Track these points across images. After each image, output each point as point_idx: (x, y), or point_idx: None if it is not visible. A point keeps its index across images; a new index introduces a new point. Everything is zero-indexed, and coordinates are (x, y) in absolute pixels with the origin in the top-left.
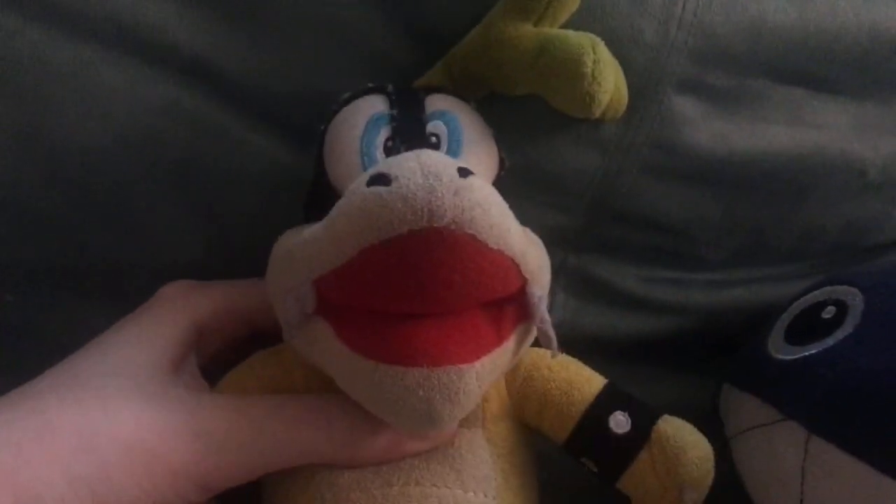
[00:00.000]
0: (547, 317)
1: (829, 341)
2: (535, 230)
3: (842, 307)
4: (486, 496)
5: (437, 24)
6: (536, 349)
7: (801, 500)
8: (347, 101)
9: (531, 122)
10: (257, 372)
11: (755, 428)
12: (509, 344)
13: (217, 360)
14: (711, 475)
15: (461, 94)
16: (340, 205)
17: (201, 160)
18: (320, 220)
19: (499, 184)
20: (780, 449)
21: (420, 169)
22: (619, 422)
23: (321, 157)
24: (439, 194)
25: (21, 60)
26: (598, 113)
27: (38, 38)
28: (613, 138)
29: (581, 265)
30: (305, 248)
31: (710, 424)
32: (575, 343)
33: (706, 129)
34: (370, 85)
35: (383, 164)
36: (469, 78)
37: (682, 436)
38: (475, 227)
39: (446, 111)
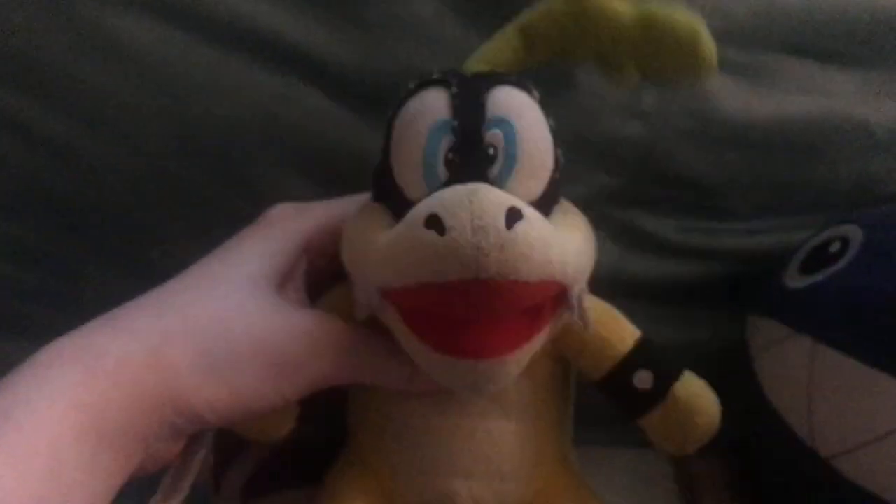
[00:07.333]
0: (585, 304)
1: (833, 269)
2: (584, 188)
3: (845, 242)
4: (525, 424)
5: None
6: None
7: (809, 396)
8: (413, 92)
9: (581, 97)
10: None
11: (772, 345)
12: (548, 327)
13: (323, 276)
14: (712, 435)
15: (532, 60)
16: (403, 238)
17: (311, 138)
18: (387, 204)
19: (554, 186)
20: (792, 358)
21: (471, 222)
22: (643, 379)
23: (388, 148)
24: (486, 252)
25: (169, 58)
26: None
27: (182, 41)
28: (653, 109)
29: (625, 218)
30: (372, 260)
31: (739, 352)
32: (619, 285)
33: (731, 98)
34: (435, 76)
35: (440, 202)
36: (547, 46)
37: (693, 402)
38: (518, 274)
39: (505, 117)
